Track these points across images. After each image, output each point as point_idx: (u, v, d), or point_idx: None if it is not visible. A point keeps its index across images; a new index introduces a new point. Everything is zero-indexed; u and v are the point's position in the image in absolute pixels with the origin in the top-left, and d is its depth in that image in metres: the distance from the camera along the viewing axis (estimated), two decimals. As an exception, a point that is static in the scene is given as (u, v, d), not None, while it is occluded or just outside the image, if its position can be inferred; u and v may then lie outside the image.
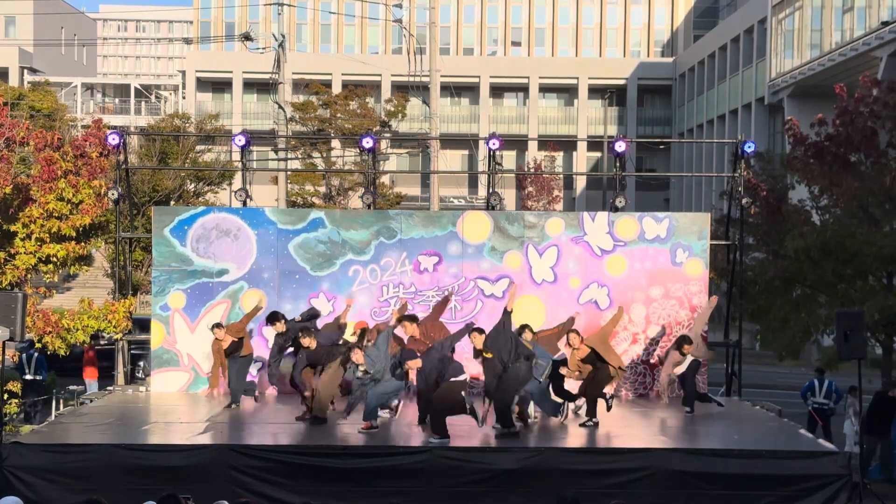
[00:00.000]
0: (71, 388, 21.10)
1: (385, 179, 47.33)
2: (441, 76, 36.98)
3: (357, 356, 13.78)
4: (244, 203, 18.37)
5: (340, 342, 15.09)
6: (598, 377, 14.85)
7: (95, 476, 12.20)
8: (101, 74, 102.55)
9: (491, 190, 19.15)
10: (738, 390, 18.39)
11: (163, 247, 17.71)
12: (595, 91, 64.13)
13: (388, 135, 46.70)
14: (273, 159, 42.63)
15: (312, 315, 15.94)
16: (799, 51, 44.56)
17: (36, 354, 21.19)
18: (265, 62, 43.47)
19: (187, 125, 44.54)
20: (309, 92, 48.65)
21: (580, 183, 62.71)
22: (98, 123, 19.30)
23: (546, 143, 55.70)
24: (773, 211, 20.90)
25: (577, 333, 15.09)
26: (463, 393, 13.35)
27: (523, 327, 14.77)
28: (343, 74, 59.92)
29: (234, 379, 16.03)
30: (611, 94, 63.56)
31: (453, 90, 52.36)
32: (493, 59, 67.43)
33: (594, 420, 14.56)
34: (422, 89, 38.33)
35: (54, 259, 17.53)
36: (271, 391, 17.44)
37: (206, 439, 13.39)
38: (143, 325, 19.95)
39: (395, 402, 14.86)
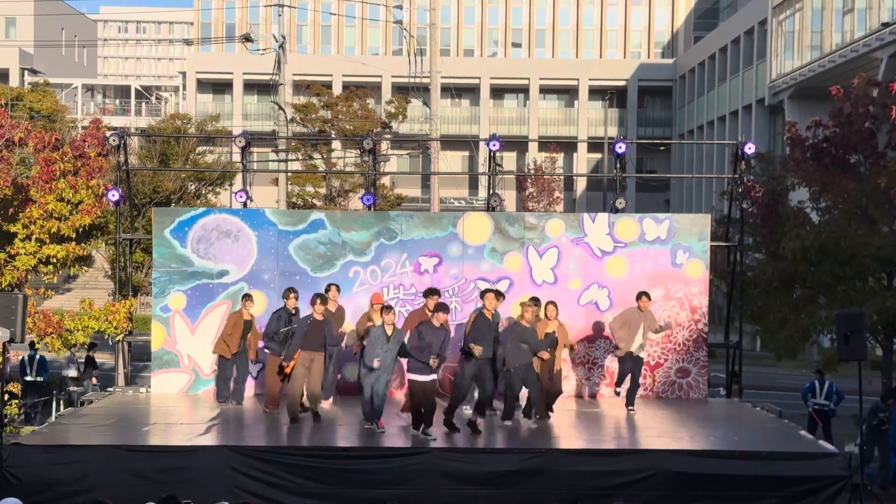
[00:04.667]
0: (71, 389, 21.13)
1: (385, 181, 47.34)
2: (441, 77, 36.96)
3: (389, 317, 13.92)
4: (244, 204, 18.36)
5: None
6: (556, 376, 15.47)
7: (95, 477, 12.21)
8: (101, 76, 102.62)
9: (491, 191, 19.15)
10: (739, 392, 18.39)
11: (163, 248, 17.70)
12: (595, 92, 64.15)
13: (388, 136, 46.69)
14: (274, 160, 42.67)
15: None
16: (799, 52, 44.55)
17: (37, 356, 21.24)
18: (266, 63, 43.48)
19: (188, 126, 44.58)
20: (310, 93, 48.66)
21: (580, 184, 62.72)
22: (97, 123, 19.31)
23: (546, 144, 55.69)
24: (769, 212, 20.88)
25: (556, 307, 15.55)
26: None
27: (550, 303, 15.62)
28: (343, 76, 59.95)
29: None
30: (611, 96, 63.59)
31: (454, 91, 52.35)
32: (493, 60, 67.45)
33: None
34: (422, 90, 38.32)
35: (54, 260, 17.54)
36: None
37: (206, 440, 13.39)
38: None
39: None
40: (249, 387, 17.12)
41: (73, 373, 22.13)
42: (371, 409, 14.04)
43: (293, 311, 15.56)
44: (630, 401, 16.09)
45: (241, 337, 16.19)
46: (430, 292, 15.27)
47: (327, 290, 16.12)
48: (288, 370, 14.86)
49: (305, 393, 14.84)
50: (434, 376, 13.75)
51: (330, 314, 15.46)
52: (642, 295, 16.04)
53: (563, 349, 15.71)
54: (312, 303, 14.77)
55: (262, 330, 15.92)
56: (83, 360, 22.43)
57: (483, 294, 14.56)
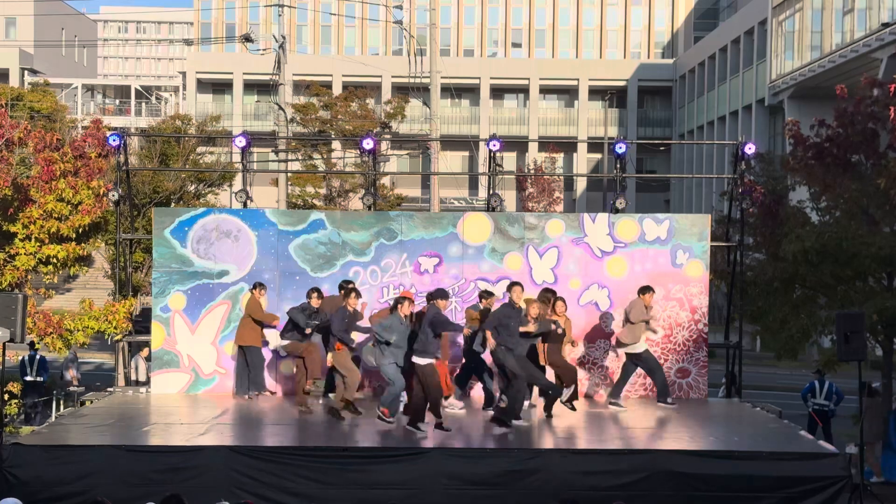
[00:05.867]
0: (71, 389, 21.11)
1: (385, 181, 47.34)
2: (441, 77, 36.99)
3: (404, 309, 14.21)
4: (244, 204, 18.36)
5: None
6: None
7: (95, 477, 12.20)
8: (101, 76, 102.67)
9: (491, 191, 19.14)
10: (739, 392, 18.39)
11: (163, 248, 17.70)
12: (595, 92, 64.17)
13: (388, 136, 46.69)
14: (274, 160, 42.69)
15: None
16: (799, 52, 44.57)
17: (38, 356, 21.24)
18: (266, 63, 43.54)
19: (188, 127, 44.57)
20: (309, 94, 48.64)
21: (581, 184, 62.76)
22: (97, 124, 19.31)
23: (546, 144, 55.73)
24: (770, 212, 20.85)
25: (564, 303, 15.70)
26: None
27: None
28: (343, 76, 59.97)
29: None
30: (611, 96, 63.62)
31: (454, 91, 52.38)
32: (493, 60, 67.47)
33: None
34: (422, 90, 38.36)
35: (54, 260, 17.53)
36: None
37: (206, 440, 13.38)
38: None
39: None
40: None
41: (142, 376, 20.23)
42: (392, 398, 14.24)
43: (316, 310, 15.80)
44: (663, 397, 16.28)
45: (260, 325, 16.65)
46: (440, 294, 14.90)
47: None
48: (330, 363, 15.05)
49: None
50: (432, 360, 13.82)
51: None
52: (648, 290, 16.15)
53: (566, 344, 15.76)
54: (347, 295, 15.07)
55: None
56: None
57: (510, 287, 14.60)
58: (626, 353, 16.29)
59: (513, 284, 14.66)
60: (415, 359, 13.86)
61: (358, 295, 15.26)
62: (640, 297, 16.12)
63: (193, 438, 13.44)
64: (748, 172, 20.76)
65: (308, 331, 15.70)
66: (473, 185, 61.18)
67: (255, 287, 16.86)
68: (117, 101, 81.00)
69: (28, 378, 20.88)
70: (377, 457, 12.70)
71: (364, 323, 15.50)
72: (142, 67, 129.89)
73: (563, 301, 15.78)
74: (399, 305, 14.26)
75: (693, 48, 64.15)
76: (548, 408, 15.23)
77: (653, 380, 16.49)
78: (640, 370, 16.74)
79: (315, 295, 15.86)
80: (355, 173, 39.84)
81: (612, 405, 16.26)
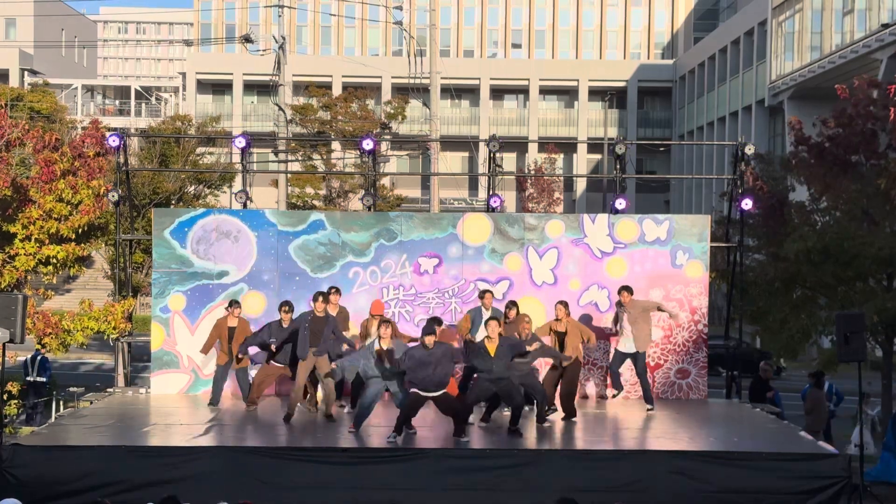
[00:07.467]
0: (71, 389, 21.11)
1: (385, 181, 47.35)
2: (441, 78, 37.00)
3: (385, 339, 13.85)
4: (244, 205, 18.36)
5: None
6: (568, 375, 15.29)
7: (95, 478, 12.20)
8: (101, 76, 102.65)
9: (491, 192, 19.15)
10: (738, 392, 18.39)
11: (163, 248, 17.70)
12: (595, 93, 64.18)
13: (388, 137, 46.71)
14: (273, 161, 42.69)
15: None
16: (799, 53, 44.58)
17: (39, 356, 21.24)
18: (265, 64, 43.47)
19: (188, 127, 44.61)
20: (309, 95, 48.65)
21: (580, 185, 62.75)
22: (96, 123, 19.32)
23: (546, 145, 55.75)
24: (772, 212, 20.86)
25: (565, 306, 15.47)
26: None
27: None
28: (343, 76, 59.95)
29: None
30: (611, 97, 63.63)
31: (453, 92, 52.38)
32: (493, 61, 67.48)
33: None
34: (422, 91, 38.33)
35: (54, 261, 17.53)
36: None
37: (206, 441, 13.39)
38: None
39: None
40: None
41: None
42: (357, 415, 14.07)
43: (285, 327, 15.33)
44: (645, 399, 16.18)
45: (227, 342, 16.15)
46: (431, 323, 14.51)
47: (328, 293, 16.10)
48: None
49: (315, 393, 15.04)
50: (438, 392, 13.54)
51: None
52: (622, 290, 16.07)
53: (572, 348, 15.61)
54: (314, 300, 14.74)
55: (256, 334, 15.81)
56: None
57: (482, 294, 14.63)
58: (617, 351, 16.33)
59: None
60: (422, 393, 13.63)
61: (325, 300, 14.80)
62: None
63: (193, 439, 13.44)
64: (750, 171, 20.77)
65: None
66: (473, 186, 61.17)
67: (229, 305, 16.39)
68: (117, 102, 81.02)
69: (29, 378, 20.88)
70: (377, 457, 12.69)
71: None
72: (142, 68, 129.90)
73: (563, 305, 15.52)
74: (381, 328, 14.07)
75: (693, 49, 64.16)
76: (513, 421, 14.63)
77: (612, 374, 16.44)
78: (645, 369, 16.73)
79: (285, 308, 15.28)
80: (355, 174, 39.87)
81: (649, 411, 16.10)
